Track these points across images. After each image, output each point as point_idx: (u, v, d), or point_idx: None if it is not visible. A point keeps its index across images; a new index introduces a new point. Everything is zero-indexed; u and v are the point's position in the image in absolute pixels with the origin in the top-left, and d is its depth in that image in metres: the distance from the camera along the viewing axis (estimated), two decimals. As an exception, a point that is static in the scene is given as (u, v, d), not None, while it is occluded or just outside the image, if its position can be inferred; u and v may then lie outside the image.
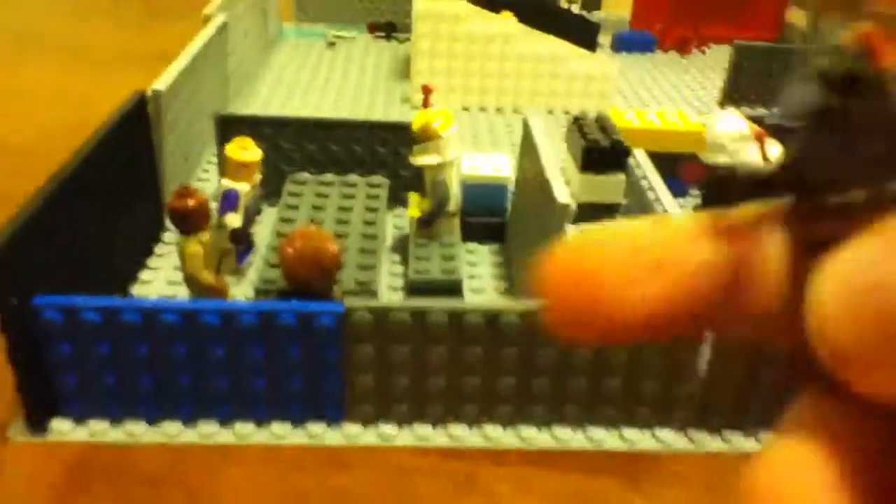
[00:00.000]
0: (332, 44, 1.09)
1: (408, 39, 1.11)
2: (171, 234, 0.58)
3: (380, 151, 0.63)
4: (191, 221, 0.45)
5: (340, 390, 0.41)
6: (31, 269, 0.38)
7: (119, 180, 0.50)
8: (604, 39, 1.06)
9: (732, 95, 0.92)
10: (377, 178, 0.61)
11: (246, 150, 0.52)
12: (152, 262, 0.55)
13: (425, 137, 0.53)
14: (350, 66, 1.01)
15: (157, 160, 0.56)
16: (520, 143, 0.59)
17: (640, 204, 0.56)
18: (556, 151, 0.55)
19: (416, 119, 0.54)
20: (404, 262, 0.56)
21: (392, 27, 1.13)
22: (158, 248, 0.56)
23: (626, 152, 0.58)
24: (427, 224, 0.55)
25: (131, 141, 0.52)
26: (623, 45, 1.12)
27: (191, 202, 0.45)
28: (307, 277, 0.39)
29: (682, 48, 1.14)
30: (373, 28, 1.13)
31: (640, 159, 0.58)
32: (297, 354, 0.39)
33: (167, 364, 0.39)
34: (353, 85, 0.94)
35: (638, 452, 0.42)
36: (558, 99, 0.88)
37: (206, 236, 0.46)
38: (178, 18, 1.01)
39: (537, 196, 0.50)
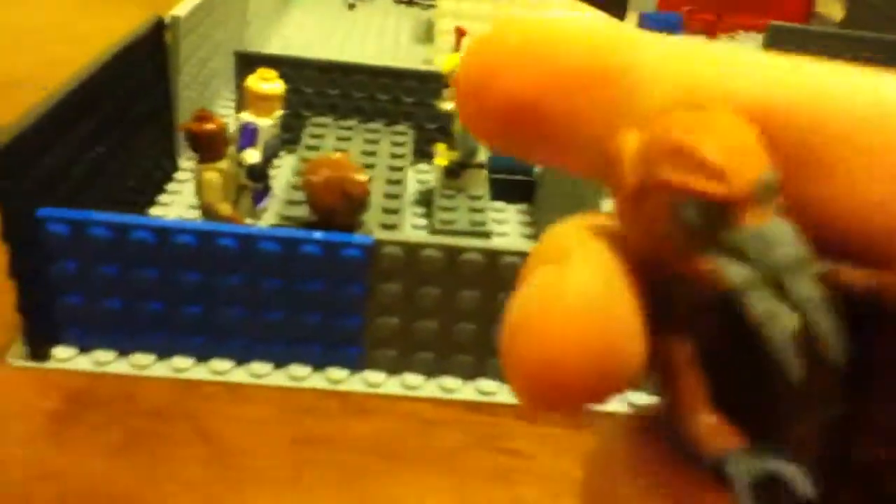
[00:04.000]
0: (352, 5, 1.06)
1: (431, 6, 1.08)
2: (183, 173, 0.55)
3: (404, 101, 0.60)
4: (209, 147, 0.42)
5: (362, 331, 0.38)
6: (36, 178, 0.35)
7: (131, 104, 0.47)
8: (629, 18, 1.04)
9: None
10: (401, 127, 0.58)
11: (268, 81, 0.49)
12: (163, 197, 0.52)
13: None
14: (370, 29, 0.98)
15: (172, 90, 0.53)
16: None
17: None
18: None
19: (447, 62, 0.51)
20: (428, 214, 0.53)
21: (415, -8, 1.10)
22: (171, 186, 0.53)
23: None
24: (454, 174, 0.52)
25: (145, 66, 0.49)
26: (648, 24, 1.09)
27: (209, 126, 0.42)
28: (333, 206, 0.36)
29: (709, 31, 1.11)
30: (395, -8, 1.10)
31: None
32: (319, 288, 0.36)
33: (179, 290, 0.36)
34: (372, 47, 0.91)
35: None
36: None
37: (224, 164, 0.43)
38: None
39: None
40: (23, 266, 0.34)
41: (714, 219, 0.08)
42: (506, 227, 0.55)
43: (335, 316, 0.37)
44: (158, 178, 0.52)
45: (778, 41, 0.88)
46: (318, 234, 0.35)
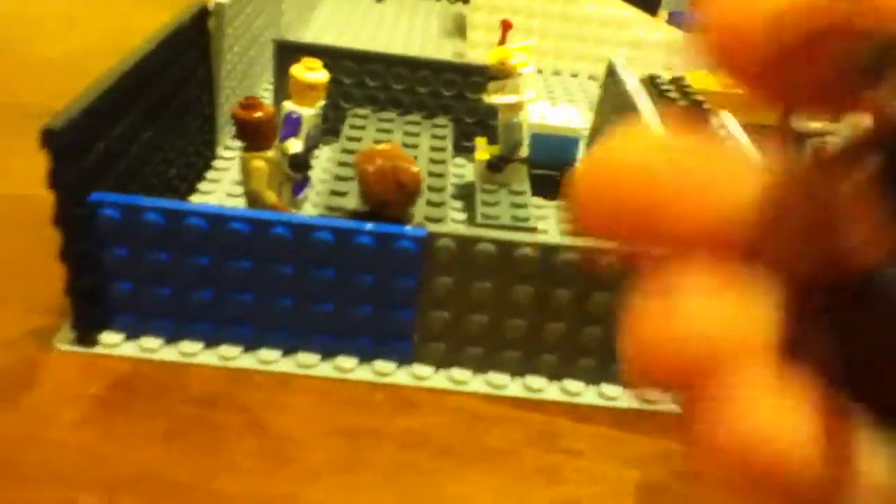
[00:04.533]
0: (380, 0, 1.06)
1: (459, 0, 1.07)
2: (221, 161, 0.54)
3: (444, 94, 0.60)
4: (257, 135, 0.42)
5: (413, 325, 0.37)
6: (88, 162, 0.34)
7: (175, 90, 0.46)
8: (661, 16, 1.03)
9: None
10: (441, 120, 0.58)
11: (313, 70, 0.48)
12: (203, 185, 0.51)
13: (502, 74, 0.50)
14: (399, 23, 0.97)
15: (214, 78, 0.53)
16: (600, 91, 0.55)
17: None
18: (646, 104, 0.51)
19: (493, 54, 0.50)
20: (467, 208, 0.53)
21: (443, -13, 1.10)
22: (210, 174, 0.53)
23: (707, 112, 0.54)
24: (497, 168, 0.51)
25: (189, 52, 0.49)
26: (678, 22, 1.08)
27: (257, 114, 0.41)
28: (386, 197, 0.36)
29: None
30: (423, -14, 1.10)
31: (724, 120, 0.55)
32: (370, 280, 0.36)
33: (229, 278, 0.35)
34: (401, 41, 0.91)
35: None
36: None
37: (270, 153, 0.42)
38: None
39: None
40: (74, 250, 0.34)
41: (885, 56, 0.08)
42: (546, 223, 0.54)
43: (386, 308, 0.37)
44: (199, 166, 0.52)
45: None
46: (371, 226, 0.35)
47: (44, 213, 0.46)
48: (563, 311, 0.37)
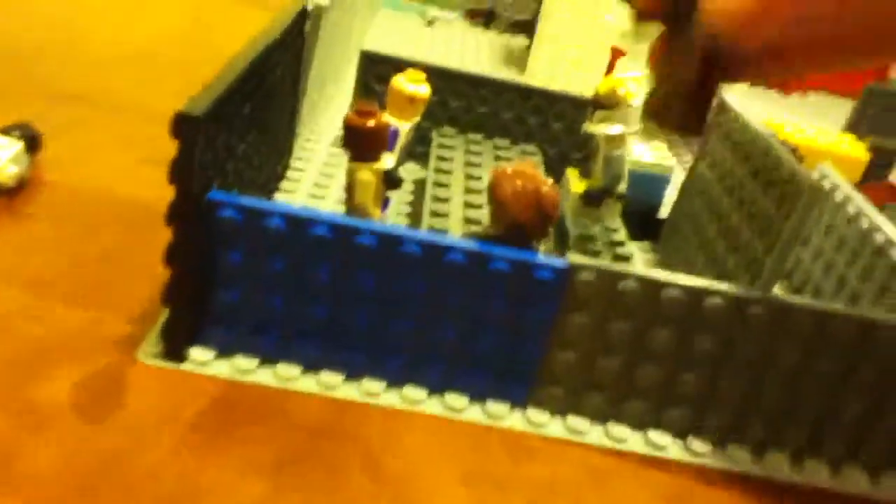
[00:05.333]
0: (431, 22, 1.04)
1: (506, 32, 1.06)
2: (296, 162, 0.51)
3: (529, 121, 0.57)
4: (369, 145, 0.39)
5: (535, 364, 0.34)
6: (209, 157, 0.31)
7: (274, 91, 0.43)
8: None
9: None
10: (530, 147, 0.55)
11: (416, 83, 0.45)
12: (284, 184, 0.48)
13: (610, 104, 0.47)
14: (451, 48, 0.95)
15: (302, 82, 0.50)
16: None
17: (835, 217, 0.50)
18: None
19: (603, 83, 0.48)
20: (559, 244, 0.50)
21: (492, 16, 1.08)
22: (283, 185, 0.50)
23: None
24: (595, 201, 0.49)
25: (287, 54, 0.46)
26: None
27: (371, 122, 0.38)
28: (522, 220, 0.33)
29: (784, 88, 1.09)
30: (473, 14, 1.09)
31: (824, 171, 0.53)
32: (500, 309, 0.32)
33: (347, 296, 0.32)
34: (454, 65, 0.89)
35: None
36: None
37: (381, 165, 0.39)
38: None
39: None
40: (185, 253, 0.30)
41: None
42: (635, 264, 0.51)
43: (510, 342, 0.33)
44: (280, 170, 0.48)
45: (873, 104, 0.86)
46: (509, 251, 0.32)
47: (126, 211, 0.43)
48: (702, 361, 0.34)
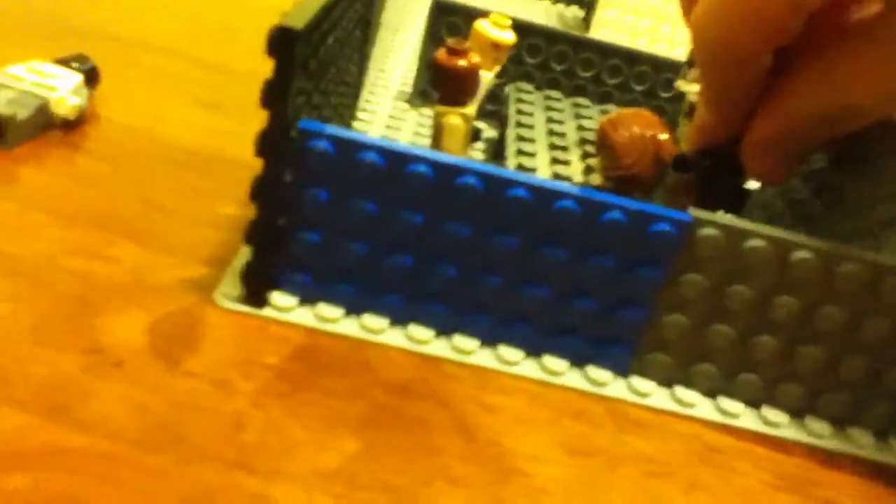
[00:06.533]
0: None
1: (560, 2, 1.02)
2: (356, 123, 0.49)
3: (608, 82, 0.54)
4: (459, 88, 0.36)
5: (643, 327, 0.31)
6: (301, 83, 0.28)
7: (352, 28, 0.40)
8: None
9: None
10: (610, 106, 0.52)
11: (502, 29, 0.42)
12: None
13: (708, 62, 0.44)
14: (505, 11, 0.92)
15: (373, 32, 0.47)
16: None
17: None
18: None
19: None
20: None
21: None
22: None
23: None
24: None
25: (357, 3, 0.43)
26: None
27: (462, 62, 0.36)
28: (636, 170, 0.30)
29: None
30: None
31: None
32: (609, 265, 0.30)
33: (441, 243, 0.29)
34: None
35: None
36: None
37: (470, 110, 0.37)
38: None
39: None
40: (274, 188, 0.28)
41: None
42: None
43: (616, 302, 0.30)
44: (351, 111, 0.46)
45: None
46: (626, 201, 0.29)
47: (178, 155, 0.41)
48: (828, 335, 0.31)
